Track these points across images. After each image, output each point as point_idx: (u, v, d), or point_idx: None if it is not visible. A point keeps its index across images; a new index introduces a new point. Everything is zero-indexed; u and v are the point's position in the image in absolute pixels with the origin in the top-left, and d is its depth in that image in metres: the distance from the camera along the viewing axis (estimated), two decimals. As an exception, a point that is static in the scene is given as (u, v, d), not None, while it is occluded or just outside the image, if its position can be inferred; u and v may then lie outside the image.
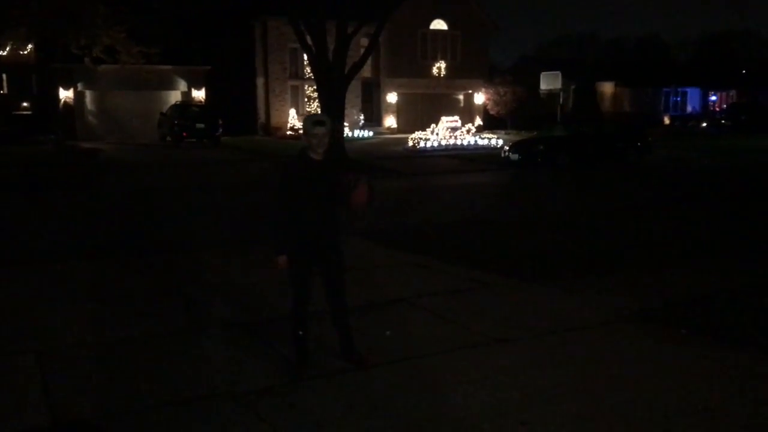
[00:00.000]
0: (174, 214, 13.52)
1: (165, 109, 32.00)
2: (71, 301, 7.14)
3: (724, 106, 47.52)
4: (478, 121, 38.62)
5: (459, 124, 30.60)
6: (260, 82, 35.45)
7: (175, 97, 34.05)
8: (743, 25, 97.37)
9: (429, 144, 27.77)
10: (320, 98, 22.36)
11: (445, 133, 28.78)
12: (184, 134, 29.00)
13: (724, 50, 57.32)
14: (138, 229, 11.72)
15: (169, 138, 29.75)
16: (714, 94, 49.79)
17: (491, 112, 40.17)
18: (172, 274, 8.36)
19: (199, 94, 34.55)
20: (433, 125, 29.59)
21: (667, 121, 45.21)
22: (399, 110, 38.54)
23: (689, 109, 48.06)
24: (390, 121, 38.33)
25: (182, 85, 34.67)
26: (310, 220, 5.05)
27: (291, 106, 35.37)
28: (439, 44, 39.12)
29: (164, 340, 5.98)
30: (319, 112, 23.49)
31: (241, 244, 10.20)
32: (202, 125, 29.22)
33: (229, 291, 7.52)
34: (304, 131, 5.12)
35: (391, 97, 38.18)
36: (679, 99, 48.36)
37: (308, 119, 5.14)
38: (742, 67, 52.96)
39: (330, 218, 5.16)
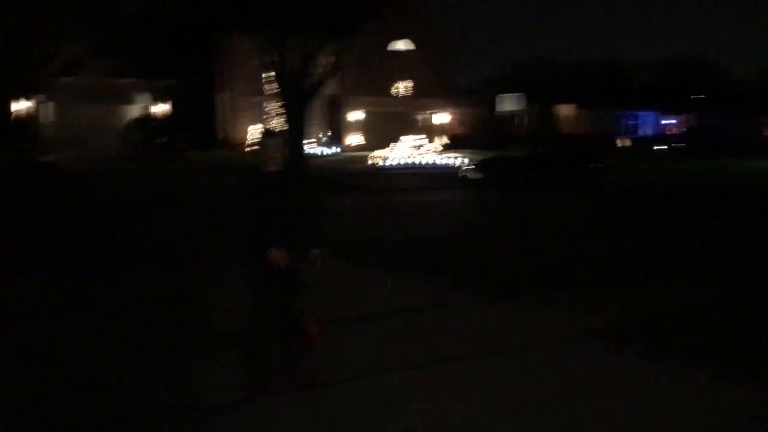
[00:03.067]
0: (132, 227, 13.31)
1: (127, 122, 31.64)
2: (35, 314, 6.98)
3: (683, 129, 48.61)
4: (444, 140, 38.94)
5: (425, 142, 30.97)
6: (222, 97, 35.27)
7: (137, 110, 33.68)
8: (702, 52, 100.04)
9: (388, 162, 27.98)
10: (282, 115, 22.38)
11: (405, 151, 29.08)
12: (145, 148, 28.75)
13: (681, 75, 58.63)
14: (96, 242, 11.51)
15: (129, 151, 29.44)
16: (667, 118, 51.04)
17: (455, 132, 40.56)
18: (135, 287, 8.23)
19: (162, 108, 34.21)
20: (392, 144, 29.88)
21: (621, 143, 45.73)
22: (364, 128, 38.67)
23: (641, 132, 49.26)
24: (355, 138, 38.41)
25: (145, 99, 34.32)
26: (266, 235, 4.89)
27: (252, 122, 35.22)
28: (404, 64, 39.42)
29: (127, 354, 5.88)
30: (281, 128, 23.46)
31: (204, 256, 10.08)
32: (163, 139, 29.06)
33: (193, 304, 7.44)
34: (259, 145, 5.19)
35: (356, 115, 38.32)
36: (633, 122, 49.59)
37: (263, 133, 5.21)
38: (698, 92, 54.27)
39: (286, 234, 4.92)
